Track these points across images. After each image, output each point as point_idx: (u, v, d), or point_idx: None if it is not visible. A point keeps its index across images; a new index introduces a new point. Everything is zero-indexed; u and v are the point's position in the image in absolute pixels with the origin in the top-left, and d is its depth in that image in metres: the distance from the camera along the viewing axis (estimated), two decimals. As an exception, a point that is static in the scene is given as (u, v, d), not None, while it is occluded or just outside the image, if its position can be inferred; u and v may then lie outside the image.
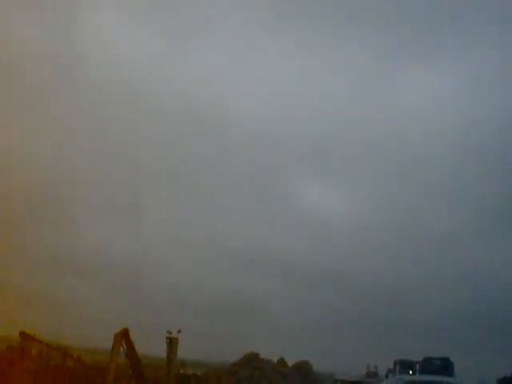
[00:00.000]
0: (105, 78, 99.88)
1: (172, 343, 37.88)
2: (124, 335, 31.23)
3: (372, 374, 55.53)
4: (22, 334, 24.46)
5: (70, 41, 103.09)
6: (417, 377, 38.10)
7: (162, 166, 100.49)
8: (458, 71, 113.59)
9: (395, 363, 42.48)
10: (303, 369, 69.44)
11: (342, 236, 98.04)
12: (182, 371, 56.04)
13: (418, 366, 38.93)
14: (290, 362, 70.87)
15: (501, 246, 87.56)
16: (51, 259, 78.16)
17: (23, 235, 78.80)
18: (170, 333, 37.95)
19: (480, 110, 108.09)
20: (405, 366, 40.75)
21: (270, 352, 69.43)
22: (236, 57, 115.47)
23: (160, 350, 38.99)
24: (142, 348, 33.72)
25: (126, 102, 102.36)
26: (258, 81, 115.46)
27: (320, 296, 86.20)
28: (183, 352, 41.56)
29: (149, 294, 79.28)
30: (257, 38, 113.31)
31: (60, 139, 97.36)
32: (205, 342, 70.41)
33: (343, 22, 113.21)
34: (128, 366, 35.00)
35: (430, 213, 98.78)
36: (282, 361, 70.01)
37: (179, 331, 37.69)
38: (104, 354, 66.07)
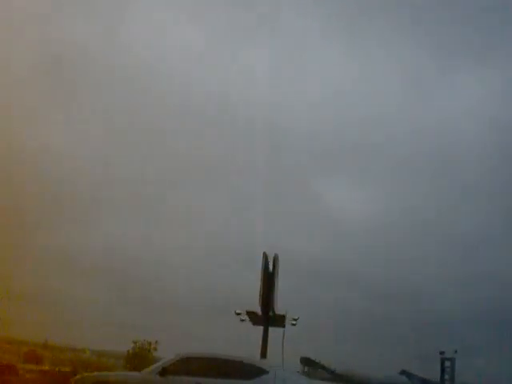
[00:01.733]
0: (148, 73, 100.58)
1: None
2: None
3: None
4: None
5: (115, 35, 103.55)
6: None
7: (186, 165, 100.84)
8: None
9: None
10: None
11: (356, 235, 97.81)
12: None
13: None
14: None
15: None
16: (64, 259, 79.09)
17: (36, 234, 79.84)
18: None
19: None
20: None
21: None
22: (289, 56, 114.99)
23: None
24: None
25: (165, 98, 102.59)
26: (305, 81, 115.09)
27: (334, 296, 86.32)
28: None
29: (165, 296, 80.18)
30: (309, 38, 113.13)
31: (93, 135, 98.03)
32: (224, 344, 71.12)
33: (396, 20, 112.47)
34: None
35: (454, 212, 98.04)
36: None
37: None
38: (111, 357, 67.58)
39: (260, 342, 37.75)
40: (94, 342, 66.86)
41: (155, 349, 51.21)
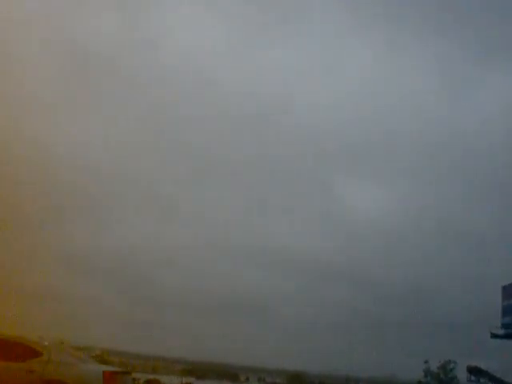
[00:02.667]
0: (174, 68, 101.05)
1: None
2: None
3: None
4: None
5: (143, 29, 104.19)
6: None
7: (203, 164, 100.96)
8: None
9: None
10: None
11: (368, 236, 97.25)
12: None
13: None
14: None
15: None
16: (75, 259, 79.52)
17: (49, 234, 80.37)
18: None
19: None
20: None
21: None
22: (323, 54, 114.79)
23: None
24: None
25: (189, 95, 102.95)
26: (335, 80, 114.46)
27: (347, 296, 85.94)
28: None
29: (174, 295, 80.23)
30: (346, 37, 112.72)
31: (117, 131, 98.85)
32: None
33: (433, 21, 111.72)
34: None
35: (469, 213, 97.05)
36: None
37: None
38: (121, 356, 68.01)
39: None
40: (104, 340, 67.20)
41: None
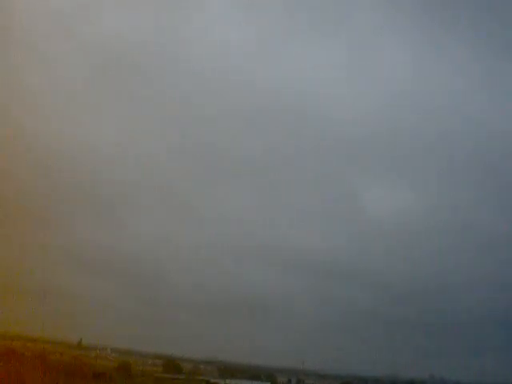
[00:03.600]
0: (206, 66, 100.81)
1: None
2: None
3: None
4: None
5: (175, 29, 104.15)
6: None
7: (222, 163, 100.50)
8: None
9: None
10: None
11: (382, 235, 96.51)
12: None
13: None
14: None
15: None
16: (87, 259, 79.98)
17: (62, 234, 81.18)
18: None
19: None
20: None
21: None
22: (357, 56, 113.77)
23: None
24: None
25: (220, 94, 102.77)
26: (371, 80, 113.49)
27: (358, 296, 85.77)
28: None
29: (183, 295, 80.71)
30: (383, 37, 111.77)
31: (145, 128, 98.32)
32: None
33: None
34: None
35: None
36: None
37: None
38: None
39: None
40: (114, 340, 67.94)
41: None
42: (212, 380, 63.60)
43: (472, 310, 75.58)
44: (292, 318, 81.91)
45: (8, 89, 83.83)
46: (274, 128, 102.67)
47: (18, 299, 61.60)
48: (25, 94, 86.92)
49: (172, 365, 68.09)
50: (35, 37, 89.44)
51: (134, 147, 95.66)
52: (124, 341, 67.73)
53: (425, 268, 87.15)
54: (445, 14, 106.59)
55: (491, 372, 56.33)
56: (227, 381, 64.36)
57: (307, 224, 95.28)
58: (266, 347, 72.61)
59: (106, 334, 67.18)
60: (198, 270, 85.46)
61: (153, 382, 54.68)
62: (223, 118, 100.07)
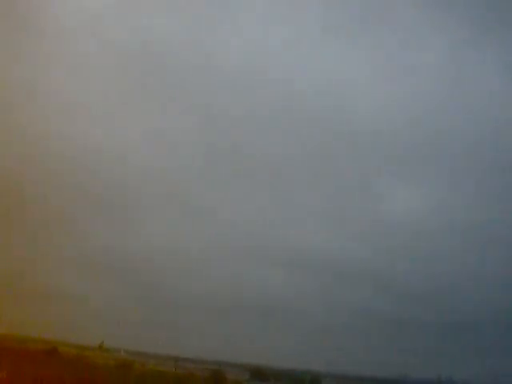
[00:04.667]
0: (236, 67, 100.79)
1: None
2: None
3: None
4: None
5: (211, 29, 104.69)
6: None
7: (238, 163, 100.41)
8: None
9: None
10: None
11: (395, 236, 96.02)
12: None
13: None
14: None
15: None
16: (100, 261, 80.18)
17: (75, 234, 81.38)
18: None
19: None
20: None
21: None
22: (389, 55, 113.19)
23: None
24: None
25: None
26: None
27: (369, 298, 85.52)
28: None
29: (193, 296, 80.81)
30: (416, 36, 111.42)
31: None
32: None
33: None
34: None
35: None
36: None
37: None
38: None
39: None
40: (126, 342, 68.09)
41: None
42: None
43: (484, 310, 75.40)
44: (304, 319, 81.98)
45: (34, 89, 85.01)
46: (302, 128, 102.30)
47: (28, 302, 61.88)
48: (51, 95, 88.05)
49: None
50: (63, 37, 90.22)
51: (147, 149, 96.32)
52: (139, 343, 67.90)
53: (436, 268, 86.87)
54: (487, 15, 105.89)
55: (500, 373, 56.02)
56: None
57: (319, 224, 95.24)
58: (278, 349, 72.74)
59: (122, 336, 67.33)
60: (211, 272, 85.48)
61: None
62: (249, 118, 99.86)
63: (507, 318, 68.82)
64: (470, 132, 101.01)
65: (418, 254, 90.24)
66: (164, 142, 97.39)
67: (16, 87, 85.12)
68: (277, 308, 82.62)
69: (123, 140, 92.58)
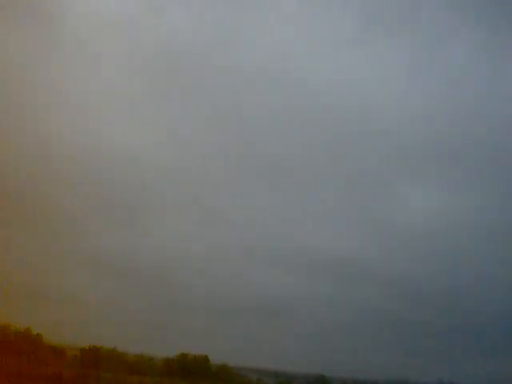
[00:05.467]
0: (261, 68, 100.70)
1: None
2: None
3: None
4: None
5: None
6: None
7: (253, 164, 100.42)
8: None
9: None
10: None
11: (407, 238, 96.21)
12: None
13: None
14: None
15: None
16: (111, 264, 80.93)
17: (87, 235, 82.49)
18: None
19: None
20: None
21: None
22: (417, 55, 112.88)
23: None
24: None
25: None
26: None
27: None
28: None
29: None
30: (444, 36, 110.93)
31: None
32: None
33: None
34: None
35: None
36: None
37: None
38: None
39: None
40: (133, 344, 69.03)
41: None
42: None
43: (492, 312, 75.76)
44: (315, 321, 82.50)
45: (56, 91, 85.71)
46: (319, 129, 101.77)
47: (41, 304, 62.89)
48: (74, 96, 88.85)
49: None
50: (86, 39, 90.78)
51: (160, 151, 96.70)
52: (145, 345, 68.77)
53: (445, 269, 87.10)
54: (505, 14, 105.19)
55: (501, 375, 56.68)
56: None
57: (331, 226, 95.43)
58: (288, 350, 73.59)
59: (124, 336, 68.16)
60: (218, 273, 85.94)
61: None
62: (268, 118, 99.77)
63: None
64: (483, 132, 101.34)
65: (427, 255, 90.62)
66: (177, 142, 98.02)
67: (37, 87, 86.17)
68: (282, 309, 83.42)
69: (136, 140, 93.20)
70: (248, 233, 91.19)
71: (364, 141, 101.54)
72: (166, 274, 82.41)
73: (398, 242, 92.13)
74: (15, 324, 58.68)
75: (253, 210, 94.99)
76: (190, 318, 76.58)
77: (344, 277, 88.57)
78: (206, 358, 69.33)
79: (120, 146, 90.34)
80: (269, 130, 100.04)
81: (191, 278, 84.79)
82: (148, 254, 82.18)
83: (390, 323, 79.53)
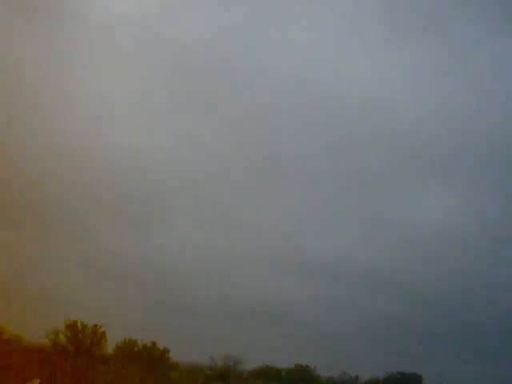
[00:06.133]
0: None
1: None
2: None
3: None
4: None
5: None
6: None
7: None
8: None
9: None
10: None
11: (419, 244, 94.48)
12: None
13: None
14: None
15: None
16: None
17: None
18: None
19: None
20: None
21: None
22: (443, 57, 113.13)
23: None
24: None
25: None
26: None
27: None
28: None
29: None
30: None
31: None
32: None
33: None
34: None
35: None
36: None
37: None
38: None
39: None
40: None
41: None
42: None
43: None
44: (324, 327, 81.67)
45: (70, 99, 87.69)
46: (336, 132, 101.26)
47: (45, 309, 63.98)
48: (88, 105, 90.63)
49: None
50: (99, 47, 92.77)
51: (174, 150, 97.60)
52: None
53: (457, 277, 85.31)
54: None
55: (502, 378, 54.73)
56: None
57: (343, 231, 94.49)
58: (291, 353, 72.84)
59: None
60: (233, 280, 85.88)
61: None
62: (293, 121, 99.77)
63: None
64: (498, 133, 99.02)
65: (442, 262, 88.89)
66: (190, 143, 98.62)
67: (52, 88, 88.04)
68: (294, 312, 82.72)
69: (147, 141, 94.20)
70: (263, 238, 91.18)
71: (380, 141, 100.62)
72: (171, 276, 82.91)
73: (409, 243, 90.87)
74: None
75: (267, 213, 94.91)
76: (196, 321, 76.75)
77: (357, 280, 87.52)
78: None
79: (132, 148, 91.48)
80: (291, 131, 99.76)
81: (200, 281, 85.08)
82: (154, 255, 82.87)
83: (398, 326, 78.28)
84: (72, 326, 61.81)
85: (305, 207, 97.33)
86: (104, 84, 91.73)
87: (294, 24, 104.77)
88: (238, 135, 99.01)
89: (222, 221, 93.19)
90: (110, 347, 65.35)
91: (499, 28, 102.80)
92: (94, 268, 78.58)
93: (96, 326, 62.84)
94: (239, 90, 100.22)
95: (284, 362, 71.91)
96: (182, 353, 69.17)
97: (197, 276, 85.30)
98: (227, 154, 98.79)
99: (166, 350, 66.37)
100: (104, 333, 63.17)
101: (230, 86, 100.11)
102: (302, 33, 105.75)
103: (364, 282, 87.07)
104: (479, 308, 78.96)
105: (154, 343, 65.69)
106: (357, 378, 69.15)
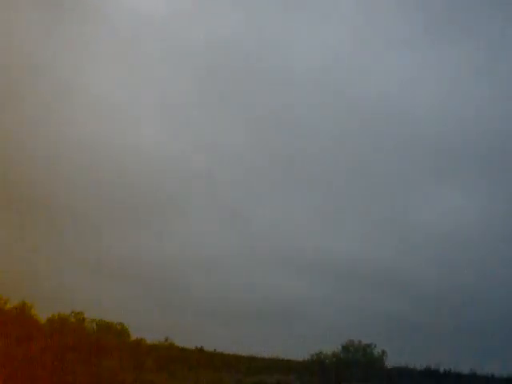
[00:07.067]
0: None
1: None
2: None
3: None
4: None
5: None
6: None
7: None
8: None
9: None
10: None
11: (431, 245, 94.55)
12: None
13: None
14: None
15: None
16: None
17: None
18: None
19: None
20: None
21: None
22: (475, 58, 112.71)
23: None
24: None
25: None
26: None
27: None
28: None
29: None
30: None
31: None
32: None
33: None
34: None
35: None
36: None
37: None
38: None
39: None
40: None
41: None
42: None
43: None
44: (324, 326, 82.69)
45: (90, 102, 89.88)
46: (358, 135, 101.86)
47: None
48: (106, 107, 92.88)
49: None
50: (125, 47, 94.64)
51: (190, 157, 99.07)
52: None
53: (461, 275, 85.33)
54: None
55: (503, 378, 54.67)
56: None
57: (351, 232, 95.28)
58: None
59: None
60: (246, 282, 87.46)
61: None
62: (321, 120, 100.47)
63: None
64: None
65: (453, 263, 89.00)
66: (202, 143, 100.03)
67: (77, 89, 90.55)
68: (306, 312, 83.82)
69: (167, 142, 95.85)
70: (274, 239, 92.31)
71: (400, 143, 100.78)
72: (179, 277, 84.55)
73: (411, 243, 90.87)
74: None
75: (280, 215, 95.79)
76: (201, 321, 78.41)
77: (367, 281, 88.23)
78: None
79: (149, 150, 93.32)
80: (319, 131, 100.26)
81: (204, 280, 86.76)
82: (161, 258, 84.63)
83: (405, 327, 78.68)
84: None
85: (316, 207, 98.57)
86: (128, 84, 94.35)
87: (323, 23, 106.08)
88: (263, 135, 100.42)
89: (235, 221, 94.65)
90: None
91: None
92: (97, 267, 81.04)
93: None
94: (264, 90, 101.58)
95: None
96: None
97: (209, 277, 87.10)
98: (252, 158, 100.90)
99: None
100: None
101: (255, 87, 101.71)
102: (331, 33, 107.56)
103: (368, 281, 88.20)
104: (490, 306, 79.25)
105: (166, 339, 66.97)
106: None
